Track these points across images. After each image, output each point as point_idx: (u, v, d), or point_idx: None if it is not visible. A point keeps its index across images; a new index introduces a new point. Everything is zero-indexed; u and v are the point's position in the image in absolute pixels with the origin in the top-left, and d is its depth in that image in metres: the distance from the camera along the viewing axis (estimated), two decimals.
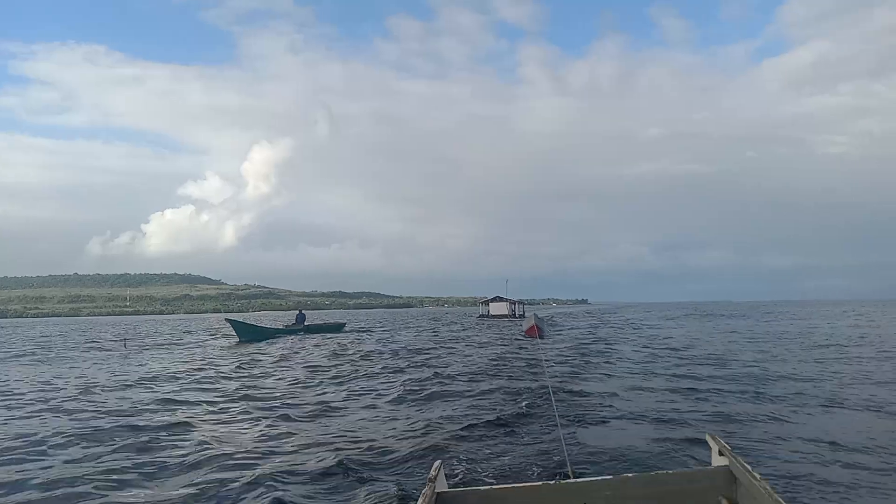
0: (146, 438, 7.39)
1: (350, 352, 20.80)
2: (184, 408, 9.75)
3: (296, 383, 12.76)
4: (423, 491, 3.02)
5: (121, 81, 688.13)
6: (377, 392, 11.17)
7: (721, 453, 3.32)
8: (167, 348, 25.48)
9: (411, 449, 6.60)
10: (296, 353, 20.99)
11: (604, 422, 7.95)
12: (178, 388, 12.28)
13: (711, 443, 3.47)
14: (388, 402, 10.00)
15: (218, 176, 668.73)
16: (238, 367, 16.50)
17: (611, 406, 9.01)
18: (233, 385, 12.57)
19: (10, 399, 11.28)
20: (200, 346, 26.20)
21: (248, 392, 11.40)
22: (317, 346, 24.52)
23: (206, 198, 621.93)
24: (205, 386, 12.67)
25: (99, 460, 6.45)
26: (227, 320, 31.44)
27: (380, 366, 15.92)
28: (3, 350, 27.21)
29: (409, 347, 22.44)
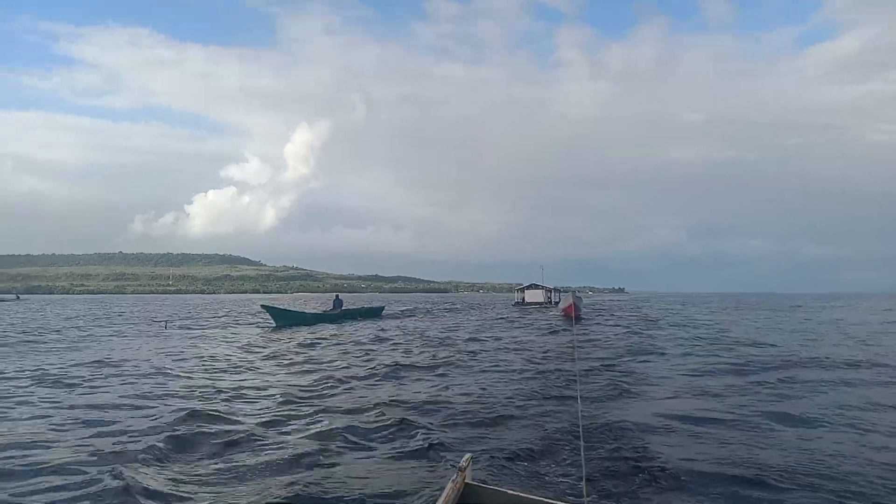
0: None
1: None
2: None
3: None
4: (453, 478, 3.15)
5: (162, 63, 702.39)
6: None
7: None
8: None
9: None
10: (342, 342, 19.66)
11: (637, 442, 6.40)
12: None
13: None
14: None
15: (257, 158, 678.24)
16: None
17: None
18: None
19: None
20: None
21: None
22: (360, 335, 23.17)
23: (247, 179, 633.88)
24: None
25: None
26: (263, 306, 30.42)
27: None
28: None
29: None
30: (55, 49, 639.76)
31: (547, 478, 5.34)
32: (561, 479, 5.25)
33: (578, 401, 7.84)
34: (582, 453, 5.25)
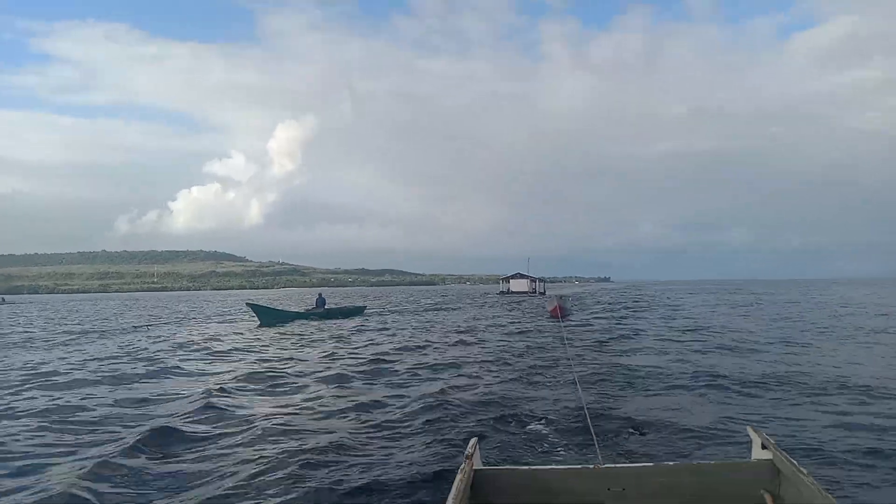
0: None
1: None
2: None
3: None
4: (461, 467, 3.06)
5: (142, 59, 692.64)
6: None
7: (764, 446, 3.23)
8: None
9: None
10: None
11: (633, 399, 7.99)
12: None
13: (753, 435, 3.40)
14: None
15: (242, 154, 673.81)
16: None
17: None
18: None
19: None
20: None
21: None
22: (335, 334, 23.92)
23: (231, 175, 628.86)
24: None
25: None
26: (248, 304, 31.11)
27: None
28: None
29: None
30: (30, 46, 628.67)
31: (557, 448, 5.84)
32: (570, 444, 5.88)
33: (575, 373, 8.86)
34: (586, 415, 5.34)
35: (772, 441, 3.20)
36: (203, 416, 7.63)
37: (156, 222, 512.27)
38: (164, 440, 6.44)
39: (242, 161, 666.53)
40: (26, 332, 25.94)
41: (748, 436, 3.50)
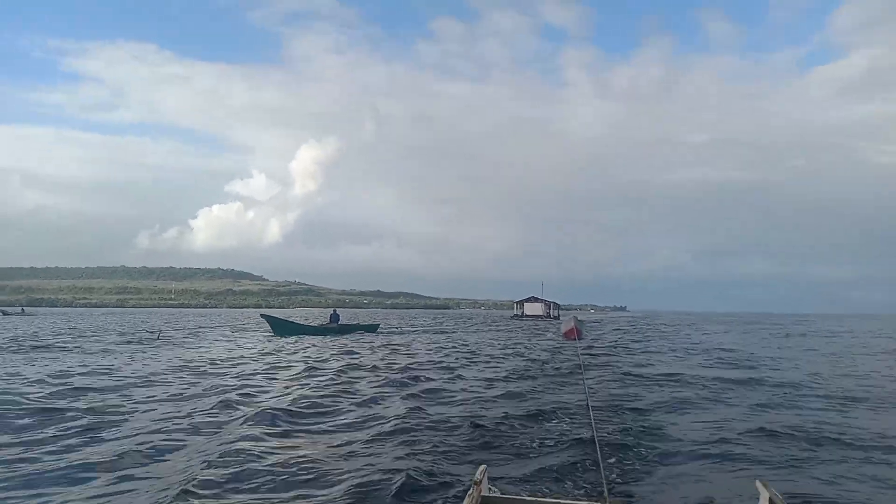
0: None
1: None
2: None
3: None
4: (469, 492, 3.04)
5: (169, 80, 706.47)
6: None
7: (772, 502, 3.06)
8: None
9: None
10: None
11: (648, 442, 7.25)
12: None
13: (761, 489, 3.22)
14: None
15: (263, 174, 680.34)
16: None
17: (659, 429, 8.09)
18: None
19: None
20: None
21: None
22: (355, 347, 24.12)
23: (252, 195, 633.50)
24: None
25: None
26: (263, 315, 31.40)
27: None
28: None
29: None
30: (61, 64, 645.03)
31: (566, 480, 5.62)
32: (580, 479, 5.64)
33: (588, 401, 8.67)
34: (598, 452, 5.19)
35: (780, 496, 3.10)
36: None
37: (176, 239, 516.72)
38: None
39: (264, 181, 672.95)
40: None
41: (756, 490, 3.36)
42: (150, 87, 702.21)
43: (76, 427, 7.65)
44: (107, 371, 13.78)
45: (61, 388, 10.92)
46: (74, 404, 9.21)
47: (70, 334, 30.32)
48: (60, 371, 13.56)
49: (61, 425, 7.73)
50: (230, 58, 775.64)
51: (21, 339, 26.06)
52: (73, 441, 6.97)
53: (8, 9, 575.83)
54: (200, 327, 40.72)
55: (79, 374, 13.21)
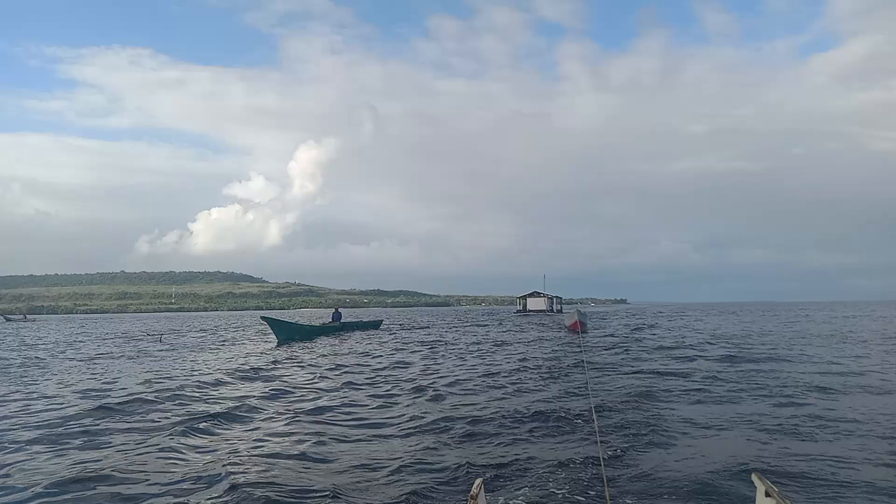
0: None
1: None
2: None
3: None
4: None
5: (164, 84, 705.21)
6: None
7: (768, 494, 3.10)
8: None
9: None
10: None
11: (651, 443, 6.96)
12: None
13: (757, 482, 3.28)
14: None
15: (262, 176, 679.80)
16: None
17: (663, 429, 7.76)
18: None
19: None
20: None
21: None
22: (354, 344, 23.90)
23: (251, 197, 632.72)
24: None
25: None
26: (263, 318, 30.92)
27: None
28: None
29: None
30: (58, 72, 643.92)
31: (564, 489, 5.34)
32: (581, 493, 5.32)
33: (593, 413, 8.30)
34: (602, 463, 5.09)
35: (776, 489, 3.10)
36: None
37: (176, 243, 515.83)
38: None
39: (262, 183, 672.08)
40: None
41: (752, 483, 3.38)
42: (146, 91, 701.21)
43: None
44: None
45: None
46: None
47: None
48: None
49: None
50: (226, 60, 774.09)
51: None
52: None
53: (4, 17, 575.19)
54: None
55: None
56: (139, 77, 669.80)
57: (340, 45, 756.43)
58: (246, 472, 5.70)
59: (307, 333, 29.64)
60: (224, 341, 28.51)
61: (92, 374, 14.70)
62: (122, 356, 19.75)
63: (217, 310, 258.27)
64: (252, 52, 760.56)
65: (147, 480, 5.61)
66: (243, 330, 41.56)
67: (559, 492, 5.25)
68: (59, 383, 12.88)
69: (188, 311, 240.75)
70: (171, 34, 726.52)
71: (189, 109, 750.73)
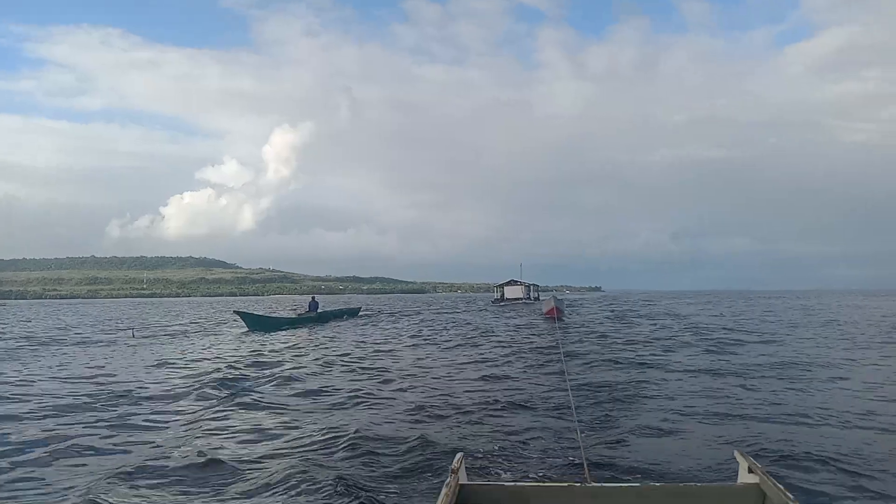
0: None
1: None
2: None
3: None
4: (447, 482, 3.02)
5: (137, 65, 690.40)
6: None
7: (751, 470, 3.14)
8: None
9: None
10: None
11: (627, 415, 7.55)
12: None
13: (740, 459, 3.32)
14: None
15: (235, 160, 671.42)
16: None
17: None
18: None
19: None
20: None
21: None
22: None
23: (224, 181, 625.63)
24: None
25: None
26: (236, 312, 30.10)
27: None
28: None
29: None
30: (26, 51, 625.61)
31: (546, 461, 5.66)
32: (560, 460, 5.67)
33: (567, 381, 8.74)
34: (578, 434, 5.34)
35: (758, 465, 3.14)
36: None
37: (147, 228, 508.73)
38: None
39: (236, 167, 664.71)
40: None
41: (735, 459, 3.43)
42: (118, 72, 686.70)
43: None
44: None
45: None
46: None
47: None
48: None
49: None
50: (200, 42, 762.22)
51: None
52: None
53: None
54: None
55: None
56: (111, 57, 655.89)
57: (318, 27, 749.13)
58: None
59: (282, 325, 29.14)
60: (196, 332, 27.98)
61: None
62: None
63: (189, 296, 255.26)
64: (227, 34, 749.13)
65: None
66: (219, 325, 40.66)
67: (539, 467, 5.49)
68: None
69: (160, 297, 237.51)
70: (143, 15, 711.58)
71: (162, 91, 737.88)
